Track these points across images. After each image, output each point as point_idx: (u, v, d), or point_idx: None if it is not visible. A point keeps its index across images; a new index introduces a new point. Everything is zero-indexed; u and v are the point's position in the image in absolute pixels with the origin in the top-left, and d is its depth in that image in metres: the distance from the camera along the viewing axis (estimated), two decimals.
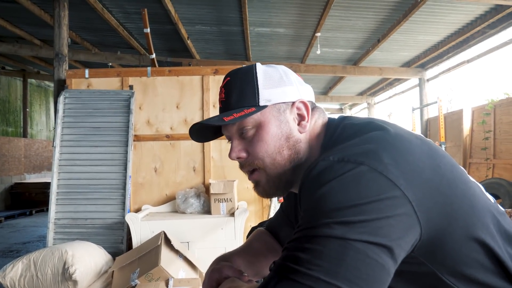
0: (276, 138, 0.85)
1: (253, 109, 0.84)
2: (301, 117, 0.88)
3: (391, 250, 0.62)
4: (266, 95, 0.86)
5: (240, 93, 0.86)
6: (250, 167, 0.88)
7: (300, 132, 0.88)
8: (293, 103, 0.88)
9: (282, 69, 0.91)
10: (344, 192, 0.64)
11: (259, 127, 0.86)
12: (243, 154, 0.88)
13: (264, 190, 0.90)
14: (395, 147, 0.70)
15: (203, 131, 0.94)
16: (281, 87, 0.87)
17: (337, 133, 0.84)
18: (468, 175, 0.81)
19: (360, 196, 0.63)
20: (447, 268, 0.69)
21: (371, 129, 0.77)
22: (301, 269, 0.61)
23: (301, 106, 0.88)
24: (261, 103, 0.85)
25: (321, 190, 0.65)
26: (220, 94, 0.90)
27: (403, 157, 0.69)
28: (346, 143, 0.74)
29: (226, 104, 0.88)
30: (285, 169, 0.86)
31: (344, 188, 0.64)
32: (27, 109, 11.68)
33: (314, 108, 0.91)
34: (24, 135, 11.46)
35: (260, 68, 0.89)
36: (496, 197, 5.33)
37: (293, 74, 0.92)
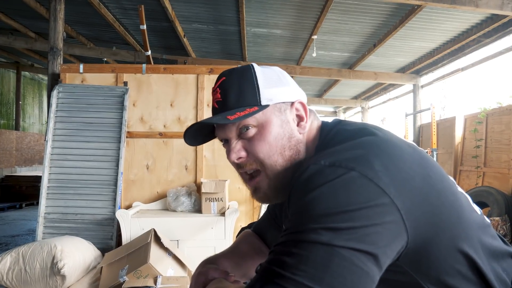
0: (279, 138, 0.83)
1: (256, 108, 0.81)
2: (300, 118, 0.87)
3: (377, 257, 0.62)
4: (267, 95, 0.83)
5: (239, 92, 0.83)
6: (249, 167, 0.85)
7: (300, 133, 0.86)
8: (292, 103, 0.87)
9: (278, 70, 0.89)
10: (333, 198, 0.63)
11: (261, 127, 0.83)
12: (243, 153, 0.85)
13: (265, 195, 0.87)
14: (387, 153, 0.70)
15: (195, 134, 0.93)
16: (280, 87, 0.86)
17: (330, 136, 0.83)
18: (457, 186, 0.81)
19: (349, 202, 0.63)
20: (431, 278, 0.70)
21: (364, 134, 0.77)
22: (286, 273, 0.61)
23: (300, 107, 0.87)
24: (263, 102, 0.83)
25: (310, 195, 0.65)
26: (214, 94, 0.87)
27: (394, 164, 0.68)
28: (337, 147, 0.73)
29: (223, 104, 0.84)
30: (286, 171, 0.83)
31: (334, 194, 0.64)
32: (20, 102, 11.58)
33: (309, 111, 0.91)
34: (16, 127, 11.37)
35: (258, 68, 0.87)
36: (485, 205, 5.36)
37: (288, 75, 0.91)
